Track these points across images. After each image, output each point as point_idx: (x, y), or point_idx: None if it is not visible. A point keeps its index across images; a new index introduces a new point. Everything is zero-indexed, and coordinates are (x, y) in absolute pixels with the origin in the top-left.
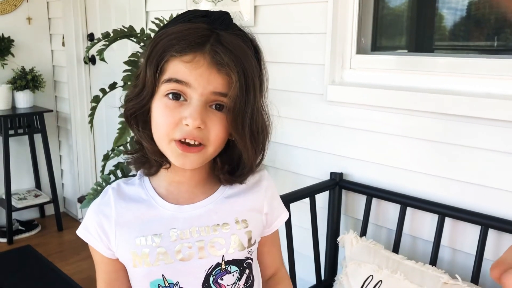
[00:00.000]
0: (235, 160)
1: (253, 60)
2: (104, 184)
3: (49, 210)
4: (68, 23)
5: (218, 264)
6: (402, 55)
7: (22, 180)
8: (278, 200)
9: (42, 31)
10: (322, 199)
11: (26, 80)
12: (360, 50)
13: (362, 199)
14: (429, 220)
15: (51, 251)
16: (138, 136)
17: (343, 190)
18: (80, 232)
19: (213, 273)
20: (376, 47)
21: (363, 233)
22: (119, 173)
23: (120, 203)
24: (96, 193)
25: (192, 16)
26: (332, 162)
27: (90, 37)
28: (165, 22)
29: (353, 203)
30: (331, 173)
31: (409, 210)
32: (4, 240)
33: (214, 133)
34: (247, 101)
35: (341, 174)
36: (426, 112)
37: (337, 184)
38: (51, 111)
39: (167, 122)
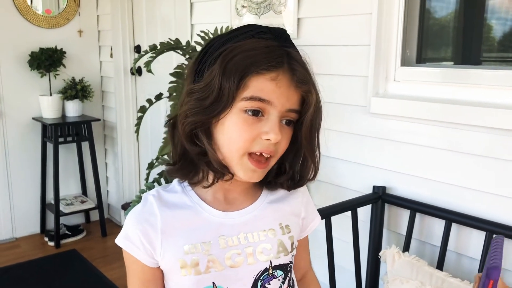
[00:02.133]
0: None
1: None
2: (148, 191)
3: (94, 216)
4: (116, 35)
5: (266, 270)
6: (448, 68)
7: (69, 186)
8: (312, 204)
9: (92, 43)
10: (365, 212)
11: (76, 90)
12: (404, 62)
13: (405, 213)
14: (476, 237)
15: (95, 255)
16: (206, 148)
17: (386, 204)
18: (120, 241)
19: (261, 278)
20: (422, 59)
21: (406, 248)
22: (162, 181)
23: (165, 210)
24: (140, 200)
25: (258, 32)
26: (375, 175)
27: (137, 48)
28: (210, 36)
29: (396, 218)
30: (374, 187)
31: (454, 226)
32: (52, 243)
33: (283, 146)
34: (321, 116)
35: (384, 188)
36: (473, 126)
37: (380, 198)
38: (98, 120)
39: (245, 136)
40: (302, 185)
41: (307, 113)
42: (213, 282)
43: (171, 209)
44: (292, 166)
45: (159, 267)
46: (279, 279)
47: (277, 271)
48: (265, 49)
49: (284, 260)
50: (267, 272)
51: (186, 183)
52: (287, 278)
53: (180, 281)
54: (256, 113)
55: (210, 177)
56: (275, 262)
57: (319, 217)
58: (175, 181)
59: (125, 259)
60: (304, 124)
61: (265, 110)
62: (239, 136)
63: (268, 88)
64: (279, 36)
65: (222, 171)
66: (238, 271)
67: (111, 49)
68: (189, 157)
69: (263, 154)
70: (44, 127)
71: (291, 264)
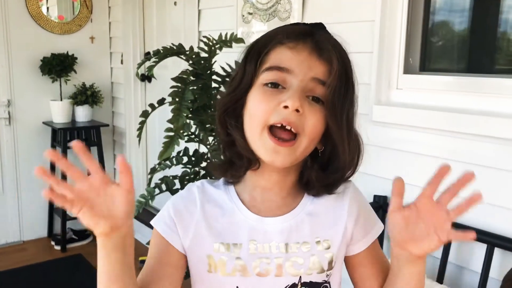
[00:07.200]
0: (326, 166)
1: (350, 59)
2: (148, 196)
3: None
4: (127, 42)
5: (294, 285)
6: (453, 76)
7: None
8: (368, 213)
9: (103, 49)
10: None
11: (86, 95)
12: (408, 70)
13: None
14: (478, 250)
15: None
16: (231, 131)
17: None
18: (156, 222)
19: None
20: (425, 67)
21: None
22: (163, 186)
23: (205, 204)
24: (141, 205)
25: (291, 24)
26: (376, 184)
27: (147, 55)
28: (214, 41)
29: None
30: (375, 196)
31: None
32: (58, 247)
33: (311, 122)
34: (346, 91)
35: (385, 198)
36: (479, 136)
37: (380, 208)
38: (107, 125)
39: (264, 108)
40: (331, 188)
41: (329, 83)
42: (237, 287)
43: (211, 204)
44: (315, 163)
45: (184, 258)
46: None
47: None
48: (289, 26)
49: (316, 278)
50: None
51: (228, 184)
52: None
53: (205, 277)
54: (275, 85)
55: (242, 170)
56: (306, 279)
57: (380, 225)
58: (222, 178)
59: (153, 242)
60: (322, 102)
61: (286, 80)
62: (258, 109)
63: (287, 56)
64: (313, 25)
65: (248, 156)
66: (264, 281)
67: (122, 55)
68: (227, 154)
69: (284, 125)
70: (54, 131)
71: (326, 284)
